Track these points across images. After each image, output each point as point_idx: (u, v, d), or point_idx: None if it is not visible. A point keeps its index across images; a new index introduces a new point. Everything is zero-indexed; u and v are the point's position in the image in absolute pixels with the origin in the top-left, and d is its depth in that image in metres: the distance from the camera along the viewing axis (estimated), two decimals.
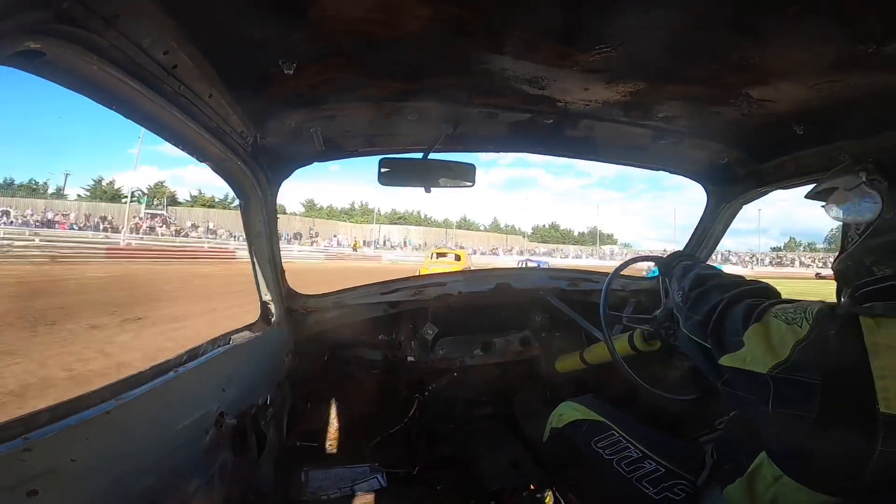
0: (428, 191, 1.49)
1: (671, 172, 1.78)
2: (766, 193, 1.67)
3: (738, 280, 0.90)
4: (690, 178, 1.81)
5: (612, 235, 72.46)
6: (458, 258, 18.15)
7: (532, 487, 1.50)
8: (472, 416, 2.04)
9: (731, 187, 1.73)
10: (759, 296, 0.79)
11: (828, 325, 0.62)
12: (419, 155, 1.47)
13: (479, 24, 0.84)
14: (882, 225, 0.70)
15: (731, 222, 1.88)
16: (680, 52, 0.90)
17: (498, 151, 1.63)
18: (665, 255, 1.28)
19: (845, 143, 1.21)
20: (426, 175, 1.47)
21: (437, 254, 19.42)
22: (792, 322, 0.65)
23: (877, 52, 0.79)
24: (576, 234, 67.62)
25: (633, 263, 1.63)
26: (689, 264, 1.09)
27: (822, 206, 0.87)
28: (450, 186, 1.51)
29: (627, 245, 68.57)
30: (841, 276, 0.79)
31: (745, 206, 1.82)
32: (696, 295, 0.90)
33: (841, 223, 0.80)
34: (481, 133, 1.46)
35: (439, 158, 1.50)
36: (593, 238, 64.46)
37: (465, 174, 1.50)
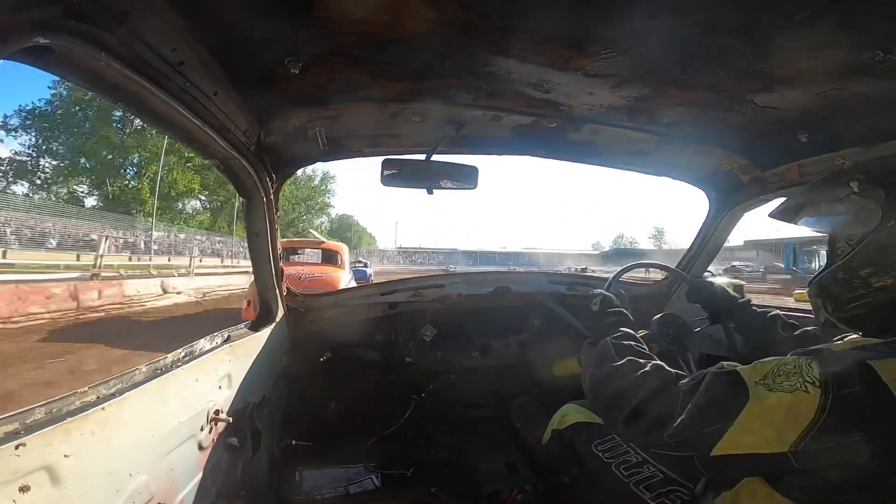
0: (430, 192, 1.49)
1: (674, 178, 1.78)
2: (768, 201, 1.67)
3: (635, 361, 0.81)
4: (693, 185, 1.80)
5: None
6: (333, 258, 8.62)
7: (527, 490, 1.49)
8: (469, 418, 2.03)
9: (733, 194, 1.73)
10: (665, 382, 0.73)
11: (846, 382, 0.58)
12: (422, 156, 1.47)
13: (485, 27, 0.84)
14: (881, 234, 0.67)
15: (732, 229, 1.88)
16: (686, 58, 0.90)
17: (500, 154, 1.63)
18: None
19: (849, 151, 1.21)
20: (429, 177, 1.47)
21: (288, 249, 9.22)
22: (794, 390, 0.59)
23: (883, 60, 0.79)
24: None
25: (634, 269, 1.63)
26: (594, 339, 0.96)
27: (795, 223, 0.82)
28: (452, 188, 1.51)
29: None
30: (824, 290, 0.75)
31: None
32: (608, 398, 0.81)
33: (827, 237, 0.76)
34: (484, 135, 1.46)
35: (442, 160, 1.51)
36: None
37: (467, 176, 1.50)
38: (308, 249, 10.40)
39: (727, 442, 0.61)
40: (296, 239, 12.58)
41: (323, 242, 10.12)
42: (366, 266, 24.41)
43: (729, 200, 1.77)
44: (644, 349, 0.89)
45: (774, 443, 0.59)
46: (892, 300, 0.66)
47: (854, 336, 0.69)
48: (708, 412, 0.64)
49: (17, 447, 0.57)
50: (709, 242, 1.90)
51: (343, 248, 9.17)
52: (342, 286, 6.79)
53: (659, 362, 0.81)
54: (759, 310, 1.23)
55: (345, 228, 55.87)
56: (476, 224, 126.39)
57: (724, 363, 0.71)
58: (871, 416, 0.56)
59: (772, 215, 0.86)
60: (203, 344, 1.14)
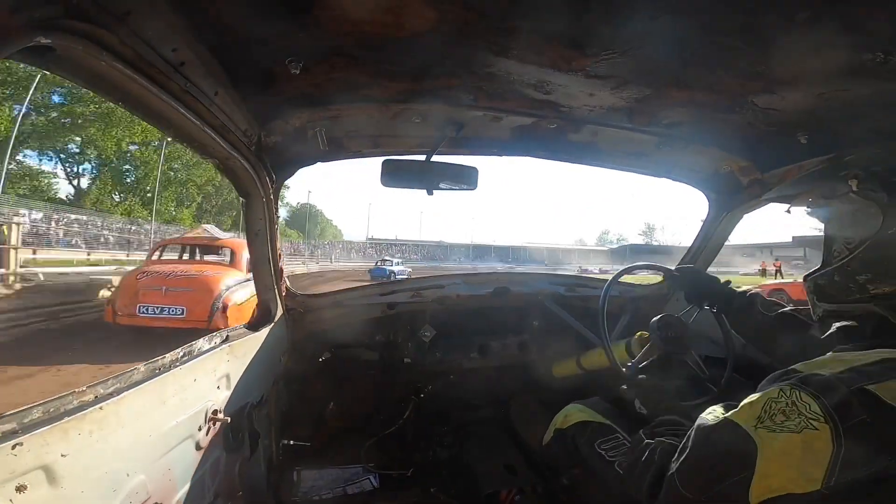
0: (430, 193, 1.49)
1: (673, 180, 1.78)
2: (768, 202, 1.67)
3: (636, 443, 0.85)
4: (692, 186, 1.80)
5: None
6: (228, 255, 8.00)
7: (526, 491, 1.49)
8: (468, 419, 2.03)
9: (733, 196, 1.73)
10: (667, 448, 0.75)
11: (850, 413, 0.57)
12: (422, 157, 1.47)
13: (486, 27, 0.84)
14: (881, 241, 0.66)
15: (731, 231, 1.88)
16: (686, 58, 0.90)
17: (500, 155, 1.63)
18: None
19: (850, 153, 1.21)
20: (428, 177, 1.47)
21: (186, 247, 8.92)
22: (801, 430, 0.58)
23: (884, 62, 0.78)
24: None
25: (632, 271, 1.63)
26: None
27: (809, 212, 0.83)
28: (451, 189, 1.51)
29: None
30: (820, 290, 0.75)
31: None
32: (630, 480, 0.84)
33: (823, 233, 0.76)
34: (485, 136, 1.46)
35: (442, 161, 1.51)
36: None
37: (467, 177, 1.50)
38: (208, 246, 8.69)
39: (757, 489, 0.60)
40: (187, 236, 10.15)
41: (217, 239, 8.79)
42: (393, 264, 22.83)
43: (729, 202, 1.77)
44: (679, 429, 0.89)
45: (802, 482, 0.57)
46: (888, 308, 0.66)
47: (839, 353, 0.68)
48: (723, 466, 0.63)
49: (14, 447, 0.57)
50: (708, 243, 1.90)
51: (239, 245, 7.98)
52: (221, 286, 6.35)
53: (662, 438, 0.83)
54: (738, 290, 1.29)
55: (305, 218, 50.57)
56: (470, 213, 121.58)
57: (708, 413, 0.70)
58: (890, 437, 0.55)
59: (767, 198, 0.86)
60: (202, 344, 1.14)
